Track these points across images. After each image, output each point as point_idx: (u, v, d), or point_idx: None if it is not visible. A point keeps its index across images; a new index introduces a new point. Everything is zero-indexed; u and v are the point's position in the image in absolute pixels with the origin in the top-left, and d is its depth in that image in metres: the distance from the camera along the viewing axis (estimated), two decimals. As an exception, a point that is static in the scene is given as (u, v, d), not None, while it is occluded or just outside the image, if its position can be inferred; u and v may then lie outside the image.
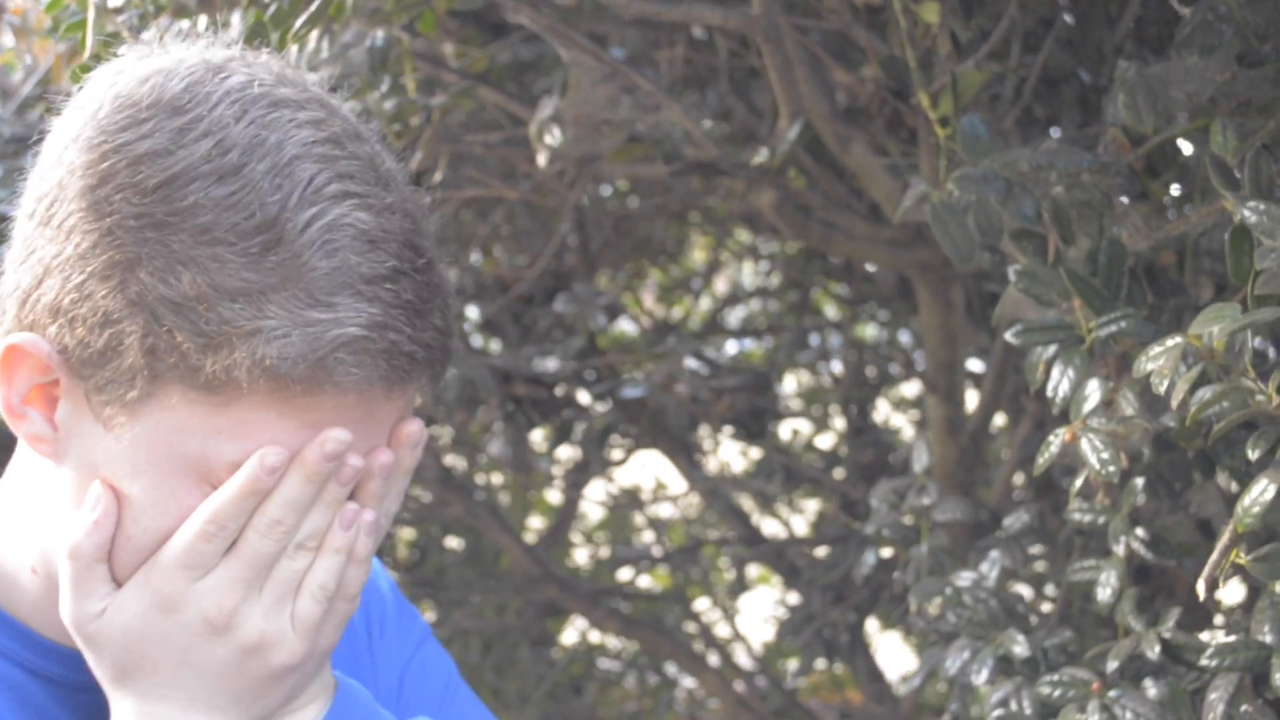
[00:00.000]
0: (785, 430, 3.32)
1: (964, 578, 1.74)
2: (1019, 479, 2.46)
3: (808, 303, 3.32)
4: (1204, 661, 1.49)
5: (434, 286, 1.05)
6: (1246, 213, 1.22)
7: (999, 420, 2.95)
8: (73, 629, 1.07)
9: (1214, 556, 1.27)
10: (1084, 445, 1.34)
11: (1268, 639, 1.46)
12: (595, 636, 3.95)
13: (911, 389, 3.49)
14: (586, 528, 3.96)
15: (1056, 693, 1.59)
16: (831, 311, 3.27)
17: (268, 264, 0.99)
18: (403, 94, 1.76)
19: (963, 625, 1.69)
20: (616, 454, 3.09)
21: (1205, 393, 1.25)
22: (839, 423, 3.29)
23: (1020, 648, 1.65)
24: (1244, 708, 1.49)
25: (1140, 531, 1.59)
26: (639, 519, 3.94)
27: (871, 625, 3.10)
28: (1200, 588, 1.29)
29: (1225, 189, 1.27)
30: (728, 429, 2.54)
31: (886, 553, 2.01)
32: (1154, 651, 1.56)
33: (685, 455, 2.70)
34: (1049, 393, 1.38)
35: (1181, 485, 1.93)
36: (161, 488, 1.04)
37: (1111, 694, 1.55)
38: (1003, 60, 1.90)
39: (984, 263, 1.99)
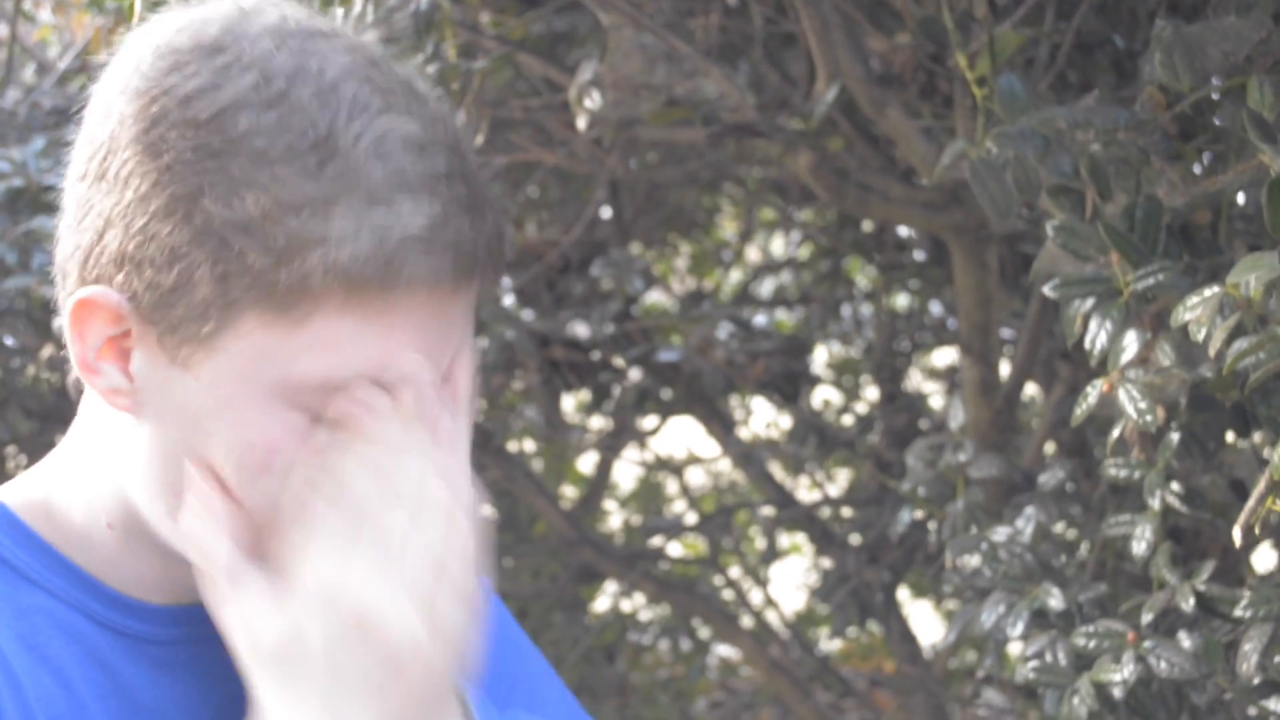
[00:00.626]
0: (817, 400, 3.35)
1: (1000, 533, 1.76)
2: (1050, 448, 2.48)
3: (840, 273, 3.34)
4: (1238, 612, 1.52)
5: (485, 190, 1.06)
6: (1281, 162, 1.24)
7: (1031, 390, 2.97)
8: (249, 655, 1.02)
9: (1250, 504, 1.29)
10: (1121, 395, 1.36)
11: (1304, 587, 1.48)
12: (627, 606, 3.99)
13: (943, 358, 3.51)
14: (619, 496, 3.99)
15: (1091, 644, 1.61)
16: (863, 282, 3.28)
17: (326, 176, 1.00)
18: (444, 59, 1.79)
19: (998, 580, 1.71)
20: (650, 422, 3.12)
21: (1242, 343, 1.27)
22: (871, 392, 3.32)
23: (1056, 601, 1.67)
24: (1278, 658, 1.52)
25: (1175, 486, 1.61)
26: (671, 488, 3.98)
27: (903, 594, 3.14)
28: (1236, 534, 1.31)
29: (1263, 142, 1.29)
30: (761, 395, 2.56)
31: (920, 514, 2.04)
32: (1188, 604, 1.58)
33: (719, 421, 2.73)
34: (1086, 345, 1.39)
35: (1215, 445, 1.95)
36: (250, 420, 1.04)
37: (1146, 644, 1.57)
38: (1037, 25, 1.92)
39: (1019, 224, 2.01)
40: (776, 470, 3.26)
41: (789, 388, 2.45)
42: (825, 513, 2.72)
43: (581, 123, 1.83)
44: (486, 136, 1.80)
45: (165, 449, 1.06)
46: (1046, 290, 1.39)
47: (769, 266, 3.66)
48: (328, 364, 1.03)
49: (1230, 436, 1.90)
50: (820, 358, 3.46)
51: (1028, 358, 2.17)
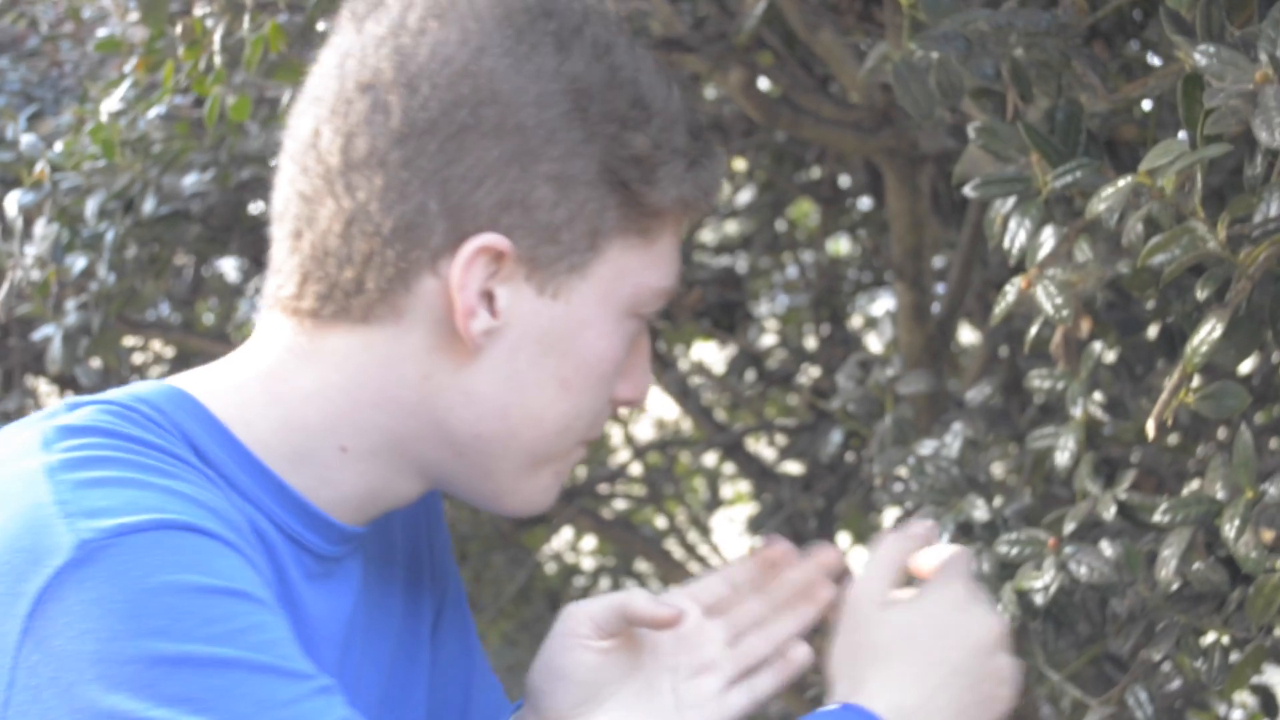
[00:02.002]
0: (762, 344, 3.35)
1: (926, 446, 1.77)
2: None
3: (781, 216, 3.34)
4: (1157, 518, 1.53)
5: None
6: (1198, 56, 1.25)
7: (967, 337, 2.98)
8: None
9: (1164, 396, 1.30)
10: (1039, 292, 1.36)
11: (1219, 494, 1.49)
12: (571, 557, 4.00)
13: (881, 307, 3.52)
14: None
15: (1014, 551, 1.63)
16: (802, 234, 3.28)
17: (668, 121, 1.19)
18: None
19: (924, 493, 1.72)
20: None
21: (1156, 239, 1.28)
22: (810, 341, 3.32)
23: (980, 512, 1.68)
24: (1196, 565, 1.53)
25: (1097, 396, 1.62)
26: (615, 437, 3.98)
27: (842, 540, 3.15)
28: (1150, 426, 1.32)
29: (1179, 36, 1.29)
30: (697, 325, 2.55)
31: (849, 432, 2.04)
32: (1110, 513, 1.59)
33: (657, 358, 2.73)
34: (1005, 244, 1.40)
35: (1144, 370, 1.96)
36: (604, 333, 1.19)
37: (1067, 550, 1.58)
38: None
39: (950, 143, 2.02)
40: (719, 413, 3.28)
41: (725, 318, 2.44)
42: (760, 441, 2.72)
43: None
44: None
45: (513, 372, 1.17)
46: (967, 190, 1.39)
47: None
48: (662, 274, 1.21)
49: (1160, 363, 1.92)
50: (764, 308, 3.47)
51: (960, 283, 2.18)
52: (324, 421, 1.17)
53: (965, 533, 1.70)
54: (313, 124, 1.17)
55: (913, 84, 1.46)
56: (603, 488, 3.60)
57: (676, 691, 1.30)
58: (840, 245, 3.48)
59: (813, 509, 2.20)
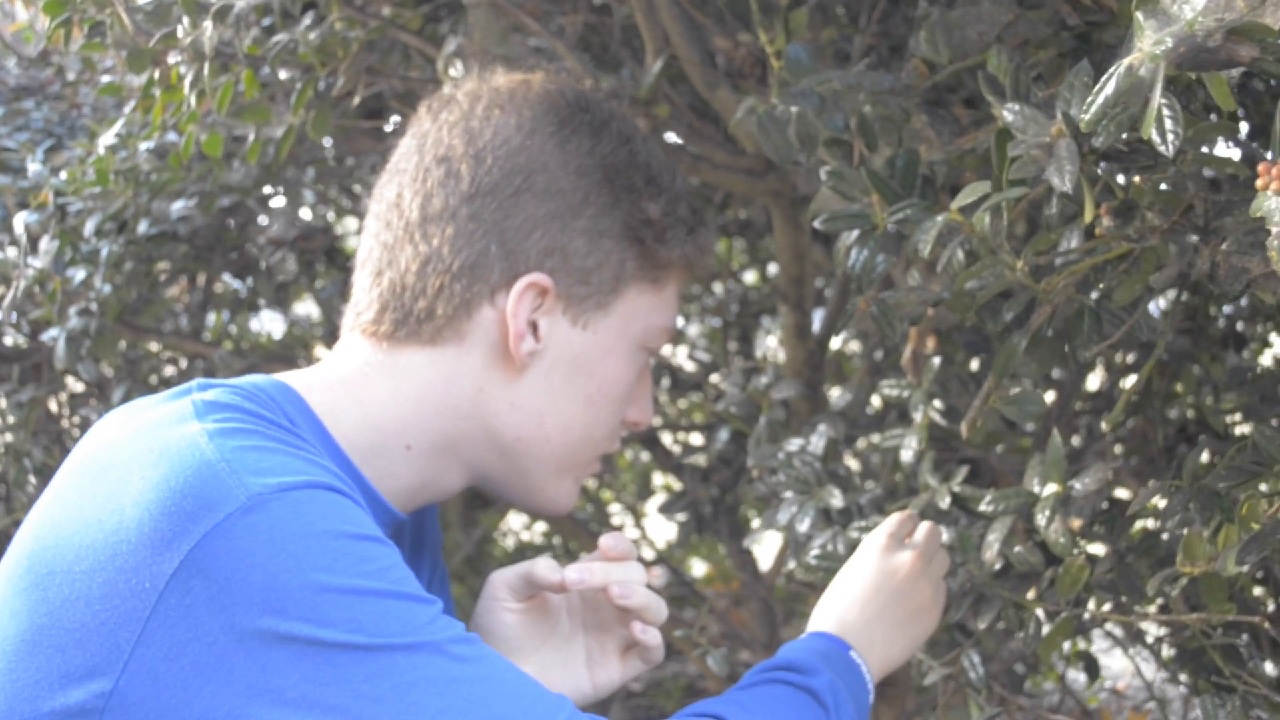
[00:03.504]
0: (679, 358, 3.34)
1: (793, 444, 1.76)
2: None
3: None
4: (983, 508, 1.53)
5: None
6: (1005, 113, 1.24)
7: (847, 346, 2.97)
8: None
9: (975, 402, 1.30)
10: (874, 311, 1.36)
11: (1035, 489, 1.49)
12: (526, 536, 3.97)
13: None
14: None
15: (864, 536, 1.62)
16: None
17: (673, 193, 1.33)
18: (330, 30, 1.76)
19: (790, 484, 1.71)
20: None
21: (971, 267, 1.28)
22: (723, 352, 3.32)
23: (837, 500, 1.67)
24: (1016, 548, 1.53)
25: (937, 403, 1.62)
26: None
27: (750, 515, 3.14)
28: (963, 429, 1.31)
29: (994, 97, 1.29)
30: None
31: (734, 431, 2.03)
32: (945, 503, 1.59)
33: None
34: (849, 269, 1.40)
35: (981, 375, 1.96)
36: (622, 360, 1.30)
37: (907, 536, 1.57)
38: (855, 24, 1.92)
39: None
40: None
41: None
42: (670, 439, 2.70)
43: (447, 89, 1.81)
44: (360, 99, 1.77)
45: (549, 388, 1.27)
46: (817, 224, 1.38)
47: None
48: (667, 316, 1.34)
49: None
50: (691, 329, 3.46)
51: (839, 305, 2.17)
52: (394, 424, 1.25)
53: (825, 518, 1.69)
54: (396, 189, 1.29)
55: (774, 133, 1.46)
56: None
57: (588, 649, 1.32)
58: (749, 276, 3.47)
59: (708, 497, 2.18)
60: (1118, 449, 2.02)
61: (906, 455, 1.63)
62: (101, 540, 1.03)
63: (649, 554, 3.67)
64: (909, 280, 1.38)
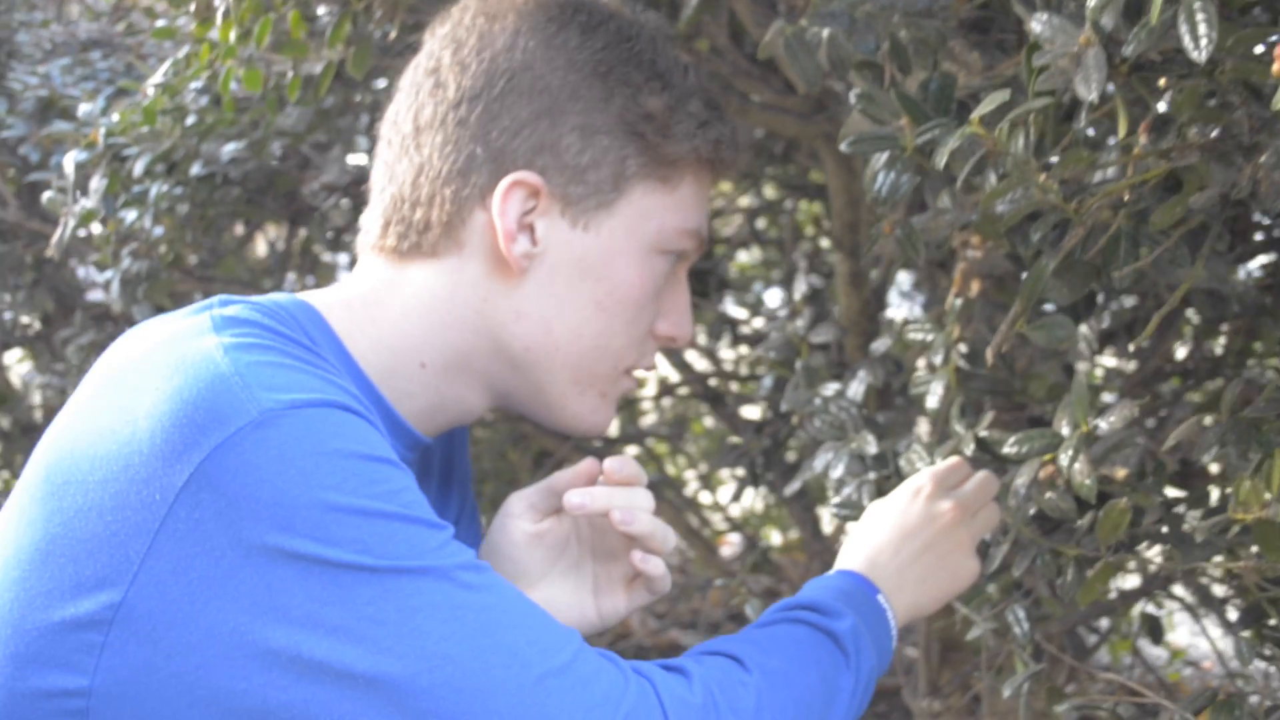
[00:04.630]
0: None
1: (829, 389, 1.70)
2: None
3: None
4: (1006, 450, 1.46)
5: None
6: (1035, 24, 1.18)
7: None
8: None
9: (1002, 328, 1.23)
10: (898, 234, 1.30)
11: (1064, 430, 1.42)
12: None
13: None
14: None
15: (892, 482, 1.56)
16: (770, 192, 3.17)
17: (685, 86, 1.27)
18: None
19: (826, 430, 1.66)
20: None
21: (996, 186, 1.22)
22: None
23: (871, 447, 1.62)
24: (1048, 494, 1.46)
25: (962, 347, 1.55)
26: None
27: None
28: (988, 354, 1.25)
29: (1025, 10, 1.23)
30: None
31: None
32: (970, 449, 1.53)
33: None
34: (876, 193, 1.34)
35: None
36: (633, 263, 1.24)
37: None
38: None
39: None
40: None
41: (698, 285, 2.38)
42: (722, 387, 2.65)
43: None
44: (398, 34, 1.75)
45: (554, 293, 1.23)
46: (843, 146, 1.33)
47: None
48: (685, 217, 1.26)
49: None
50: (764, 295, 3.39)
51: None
52: (406, 342, 1.23)
53: (860, 464, 1.64)
54: (395, 108, 1.28)
55: (801, 56, 1.40)
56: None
57: (595, 577, 1.29)
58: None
59: (759, 448, 2.13)
60: (1204, 417, 1.92)
61: (932, 401, 1.56)
62: (115, 451, 1.02)
63: (721, 525, 3.62)
64: (940, 203, 1.31)
